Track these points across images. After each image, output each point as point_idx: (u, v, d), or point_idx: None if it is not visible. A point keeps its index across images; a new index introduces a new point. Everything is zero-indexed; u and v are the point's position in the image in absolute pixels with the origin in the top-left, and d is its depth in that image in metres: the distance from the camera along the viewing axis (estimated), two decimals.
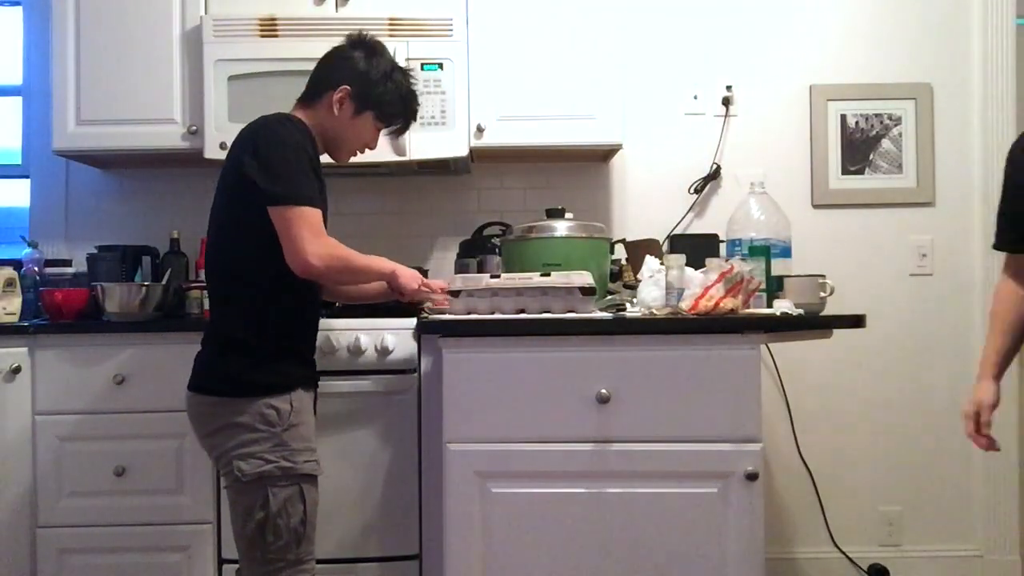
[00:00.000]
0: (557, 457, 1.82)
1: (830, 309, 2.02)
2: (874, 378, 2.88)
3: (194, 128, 2.54)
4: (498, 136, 2.57)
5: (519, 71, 2.56)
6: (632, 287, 2.28)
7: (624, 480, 1.81)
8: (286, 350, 1.80)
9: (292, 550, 1.74)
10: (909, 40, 2.91)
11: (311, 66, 1.94)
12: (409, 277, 1.96)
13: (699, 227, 2.87)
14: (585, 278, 1.91)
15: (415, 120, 2.01)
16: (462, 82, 2.53)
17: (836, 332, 1.96)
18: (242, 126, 1.81)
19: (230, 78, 2.50)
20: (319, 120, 1.87)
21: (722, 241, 2.50)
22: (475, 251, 2.65)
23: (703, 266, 1.90)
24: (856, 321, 1.89)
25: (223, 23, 2.51)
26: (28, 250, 2.71)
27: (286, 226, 1.71)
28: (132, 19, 2.56)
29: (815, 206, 2.91)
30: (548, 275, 1.92)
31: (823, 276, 2.03)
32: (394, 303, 2.13)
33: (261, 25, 2.50)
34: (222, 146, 2.45)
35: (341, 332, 2.26)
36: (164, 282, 2.50)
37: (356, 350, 2.25)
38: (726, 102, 2.91)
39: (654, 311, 1.89)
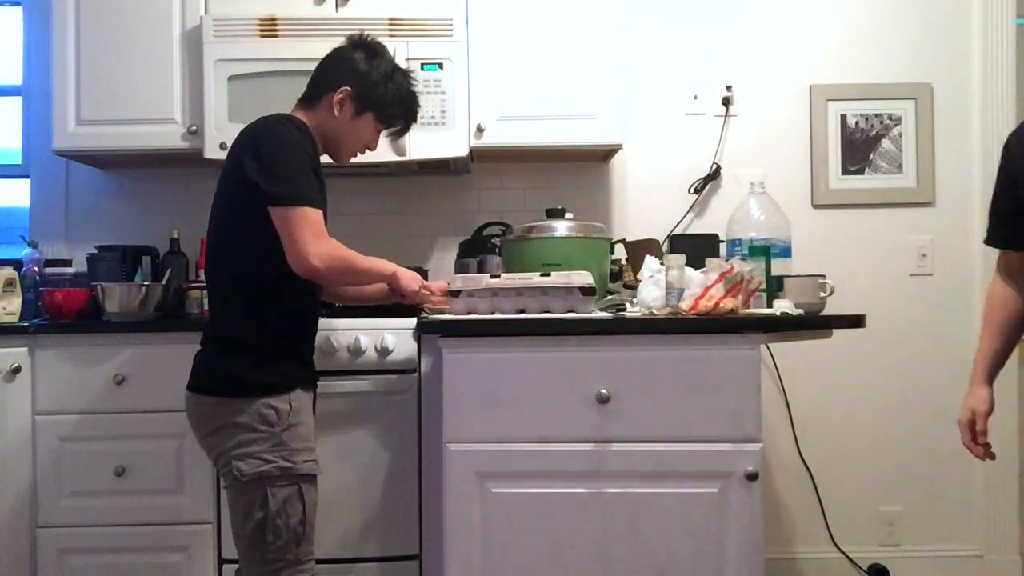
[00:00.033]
0: (557, 457, 1.82)
1: (830, 309, 2.02)
2: (874, 378, 2.88)
3: (194, 128, 2.54)
4: (498, 136, 2.57)
5: (519, 71, 2.56)
6: (632, 287, 2.28)
7: (624, 480, 1.81)
8: (286, 350, 1.80)
9: (291, 550, 1.74)
10: (909, 40, 2.91)
11: (311, 66, 1.94)
12: (409, 279, 1.96)
13: (699, 227, 2.87)
14: (585, 278, 1.91)
15: (415, 121, 2.01)
16: (462, 82, 2.53)
17: (836, 332, 1.96)
18: (242, 126, 1.81)
19: (230, 78, 2.50)
20: (319, 121, 1.87)
21: (722, 241, 2.50)
22: (475, 251, 2.65)
23: (703, 266, 1.90)
24: (856, 321, 1.89)
25: (223, 23, 2.50)
26: (28, 250, 2.71)
27: (287, 227, 1.71)
28: (132, 19, 2.55)
29: (815, 206, 2.91)
30: (548, 275, 1.92)
31: (823, 276, 2.03)
32: (394, 304, 2.13)
33: (261, 25, 2.50)
34: (222, 146, 2.45)
35: (341, 332, 2.26)
36: (164, 282, 2.50)
37: (356, 350, 2.25)
38: (726, 102, 2.91)
39: (654, 311, 1.89)
